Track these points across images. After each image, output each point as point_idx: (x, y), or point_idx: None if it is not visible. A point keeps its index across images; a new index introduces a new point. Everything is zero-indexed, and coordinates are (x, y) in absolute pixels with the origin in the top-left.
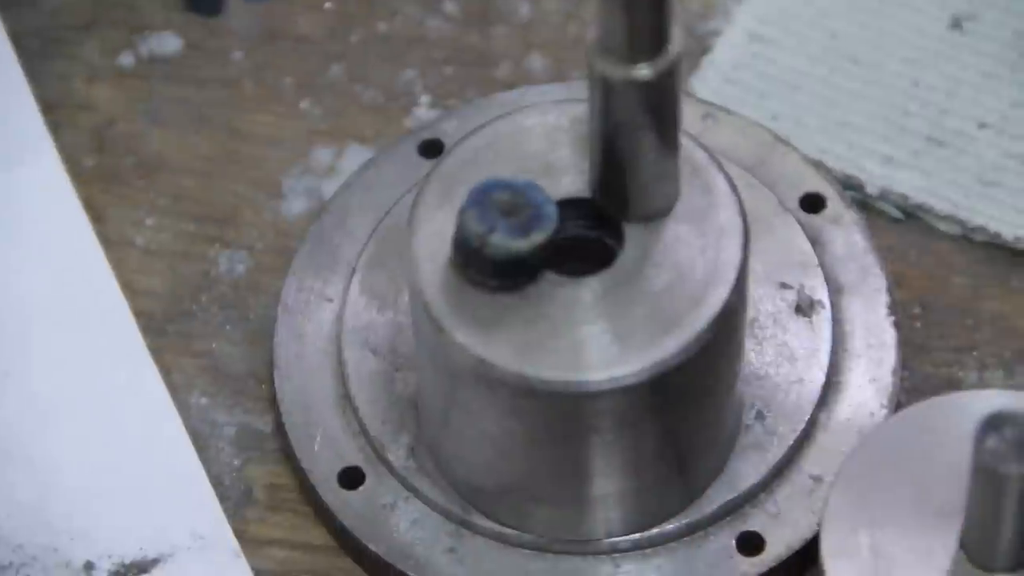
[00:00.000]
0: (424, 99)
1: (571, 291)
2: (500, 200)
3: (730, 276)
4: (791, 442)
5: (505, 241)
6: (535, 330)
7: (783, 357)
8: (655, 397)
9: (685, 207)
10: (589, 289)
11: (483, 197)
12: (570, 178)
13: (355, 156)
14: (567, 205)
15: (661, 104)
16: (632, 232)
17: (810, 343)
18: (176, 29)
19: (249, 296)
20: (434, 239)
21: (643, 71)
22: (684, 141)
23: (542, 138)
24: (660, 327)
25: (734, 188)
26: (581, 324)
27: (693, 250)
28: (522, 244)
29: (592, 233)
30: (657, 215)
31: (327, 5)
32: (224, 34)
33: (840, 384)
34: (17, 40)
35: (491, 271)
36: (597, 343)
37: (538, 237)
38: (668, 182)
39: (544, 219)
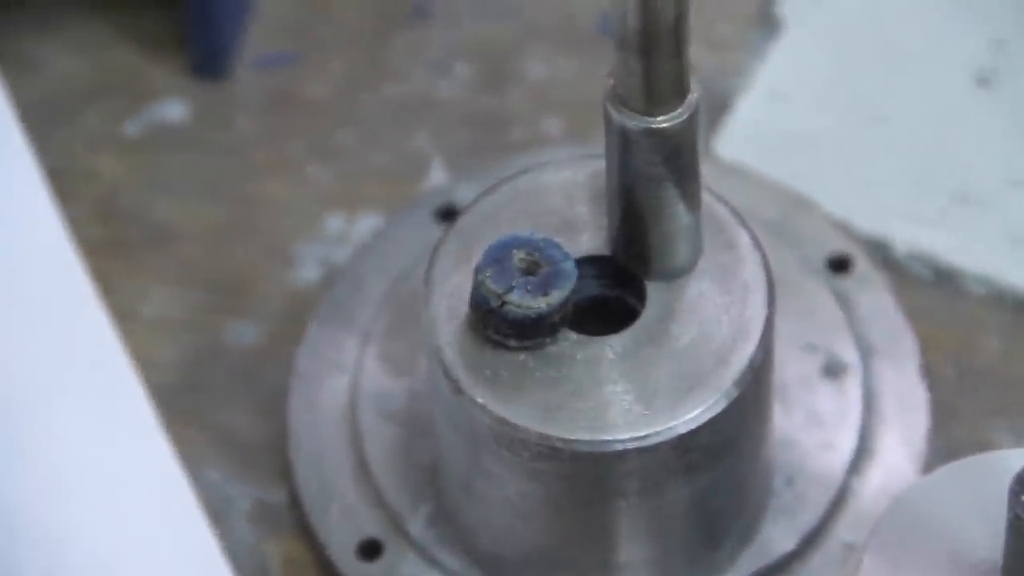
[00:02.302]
0: (437, 163)
1: (593, 350)
2: (518, 258)
3: (756, 333)
4: (823, 508)
5: (524, 300)
6: (557, 390)
7: (812, 422)
8: (682, 458)
9: (708, 264)
10: (611, 348)
11: (500, 255)
12: (589, 235)
13: (367, 222)
14: (587, 263)
15: (681, 155)
16: (654, 290)
17: (840, 407)
18: (182, 95)
19: (261, 366)
20: (451, 298)
21: (662, 121)
22: (705, 196)
23: (560, 195)
24: (685, 386)
25: (758, 243)
26: (604, 383)
27: (717, 307)
28: (541, 303)
29: (612, 291)
30: (679, 272)
31: (335, 68)
32: (231, 99)
33: (872, 449)
34: (21, 107)
35: (510, 331)
36: (621, 403)
37: (557, 296)
38: (690, 238)
39: (563, 277)
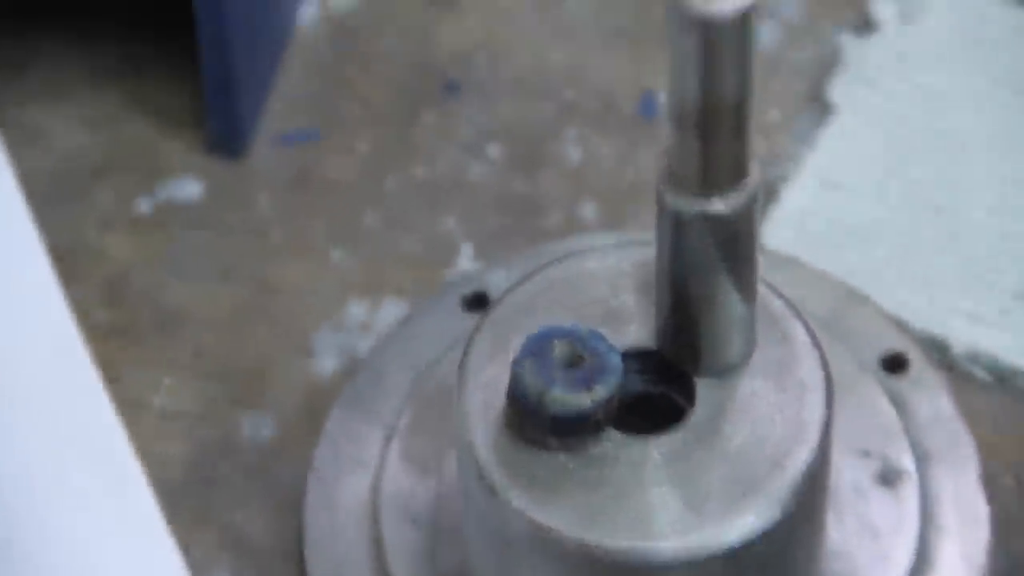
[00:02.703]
0: (466, 249)
1: (638, 451)
2: (559, 350)
3: (813, 436)
4: None
5: (565, 396)
6: (599, 494)
7: (866, 532)
8: (731, 570)
9: (761, 360)
10: (658, 449)
11: (540, 347)
12: (635, 327)
13: (392, 310)
14: (632, 357)
15: (738, 241)
16: (704, 387)
17: (896, 517)
18: (197, 172)
19: (276, 463)
20: (486, 391)
21: (719, 206)
22: (760, 287)
23: (603, 283)
24: (737, 491)
25: (815, 339)
26: (650, 487)
27: (771, 407)
28: (584, 399)
29: (660, 388)
30: (730, 368)
31: (360, 147)
32: (249, 177)
33: (929, 563)
34: (27, 182)
35: (550, 428)
36: (668, 509)
37: (602, 392)
38: (743, 331)
39: (608, 372)
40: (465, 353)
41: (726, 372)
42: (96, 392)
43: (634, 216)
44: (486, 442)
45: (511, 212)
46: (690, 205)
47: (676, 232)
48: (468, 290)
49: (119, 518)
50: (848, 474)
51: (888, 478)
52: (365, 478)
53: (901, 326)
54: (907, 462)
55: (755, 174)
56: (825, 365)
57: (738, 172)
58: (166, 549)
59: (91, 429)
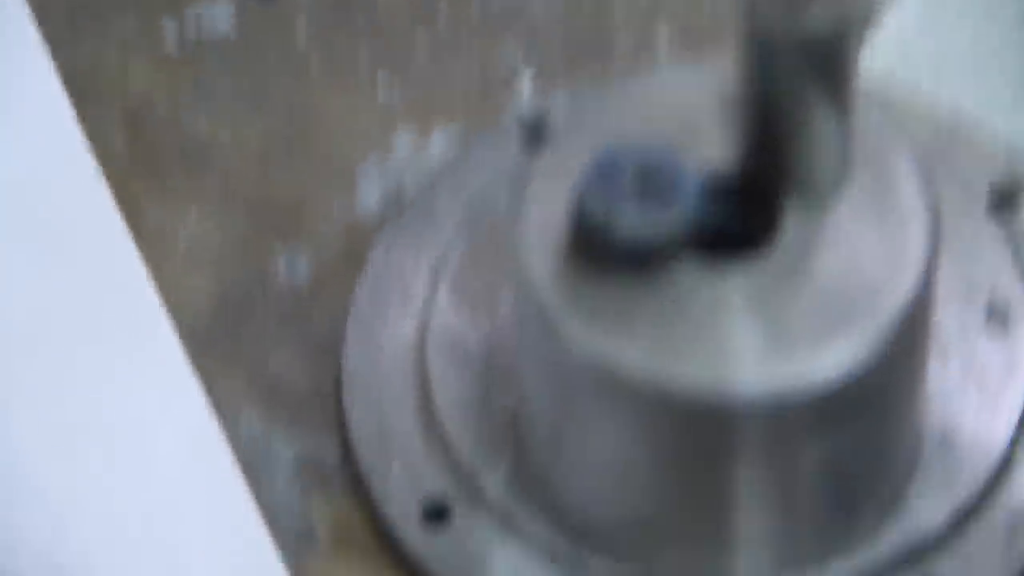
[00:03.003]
0: (527, 76)
1: (717, 282)
2: (629, 171)
3: (915, 266)
4: (983, 478)
5: (635, 219)
6: (672, 327)
7: (973, 376)
8: (819, 414)
9: (857, 185)
10: (738, 280)
11: (608, 167)
12: (715, 148)
13: (443, 142)
14: (711, 180)
15: (836, 54)
16: (792, 215)
17: (1006, 361)
18: None
19: (312, 305)
20: (547, 220)
21: (815, 18)
22: (858, 105)
23: (680, 101)
24: (828, 326)
25: (918, 164)
26: (729, 321)
27: (869, 237)
28: (656, 224)
29: (742, 215)
30: (823, 194)
31: None
32: (286, 2)
33: None
34: (41, 12)
35: (617, 255)
36: (749, 343)
37: (675, 216)
38: (838, 152)
39: (683, 194)
40: (522, 177)
41: (817, 199)
42: (115, 227)
43: (715, 45)
44: (545, 273)
45: (576, 36)
46: (780, 18)
47: (764, 46)
48: (528, 121)
49: (140, 359)
50: (954, 313)
51: (999, 317)
52: (411, 316)
53: (1016, 157)
54: (1020, 302)
55: None
56: (931, 191)
57: None
58: (189, 390)
59: (111, 266)
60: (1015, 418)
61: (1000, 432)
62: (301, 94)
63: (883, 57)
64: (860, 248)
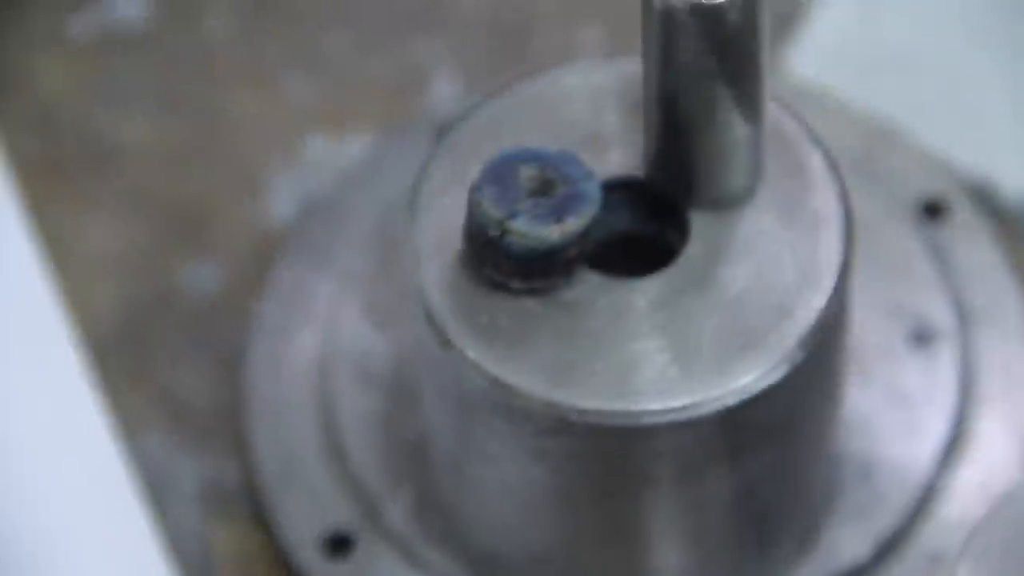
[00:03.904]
0: (443, 75)
1: (619, 296)
2: (526, 176)
3: (828, 279)
4: (905, 508)
5: (532, 228)
6: (571, 346)
7: (895, 400)
8: (728, 437)
9: (769, 191)
10: (643, 294)
11: (504, 171)
12: (619, 152)
13: (356, 145)
14: (614, 186)
15: (739, 43)
16: (699, 222)
17: (930, 383)
18: None
19: (219, 318)
20: (443, 228)
21: None
22: (770, 106)
23: (584, 102)
24: (736, 344)
25: (834, 167)
26: (632, 339)
27: (780, 246)
28: (554, 232)
29: (646, 223)
30: (732, 201)
31: None
32: None
33: (968, 436)
34: None
35: (513, 268)
36: (653, 363)
37: (575, 223)
38: (747, 156)
39: (583, 200)
40: (417, 182)
41: (726, 206)
42: (17, 231)
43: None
44: (439, 285)
45: (497, 33)
46: None
47: (666, 34)
48: (444, 122)
49: (37, 372)
50: (876, 333)
51: (923, 338)
52: (316, 333)
53: (943, 167)
54: (945, 320)
55: None
56: (845, 198)
57: None
58: (90, 409)
59: (10, 272)
60: (938, 444)
61: (923, 459)
62: (212, 94)
63: (815, 58)
64: (770, 259)
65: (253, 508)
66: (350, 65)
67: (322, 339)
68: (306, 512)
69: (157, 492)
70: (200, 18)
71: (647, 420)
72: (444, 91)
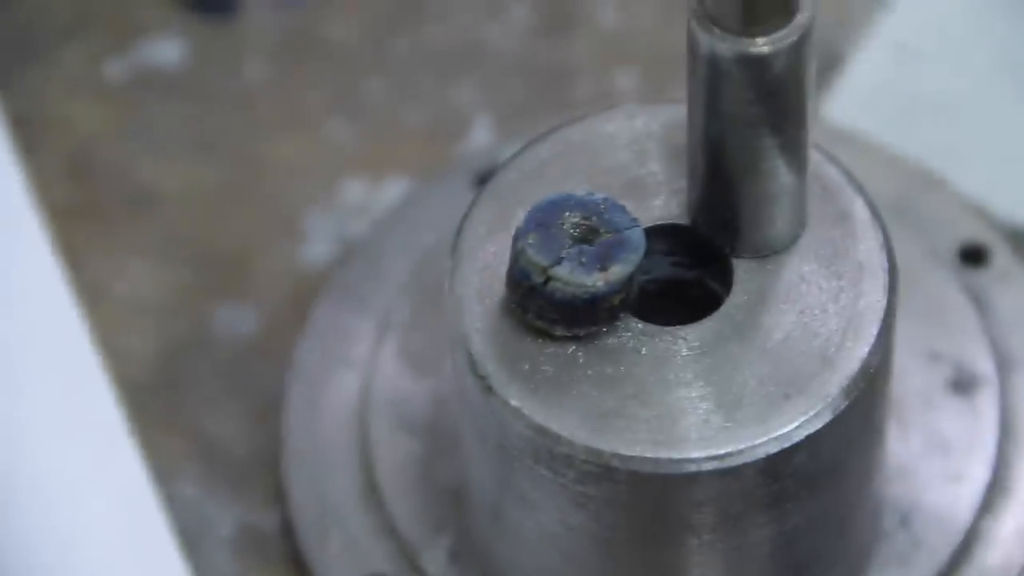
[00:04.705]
0: (482, 122)
1: (662, 343)
2: (571, 223)
3: (872, 328)
4: (944, 557)
5: (575, 276)
6: (614, 393)
7: (935, 447)
8: (771, 486)
9: (812, 239)
10: (686, 341)
11: (548, 218)
12: (662, 199)
13: (394, 190)
14: (658, 233)
15: (785, 92)
16: (743, 270)
17: (970, 430)
18: (177, 32)
19: (255, 362)
20: (484, 274)
21: (763, 46)
22: (813, 154)
23: (627, 148)
24: (779, 392)
25: (877, 216)
26: (675, 387)
27: (823, 294)
28: (598, 280)
29: (689, 271)
30: (775, 248)
31: (364, 5)
32: (237, 39)
33: (1009, 484)
34: None
35: (556, 315)
36: (695, 411)
37: (619, 271)
38: (791, 204)
39: (628, 248)
40: (460, 228)
41: (770, 254)
42: (54, 276)
43: (679, 87)
44: (481, 331)
45: (534, 81)
46: (728, 46)
47: (711, 81)
48: (482, 168)
49: (73, 419)
50: (916, 380)
51: (963, 385)
52: (354, 379)
53: (982, 213)
54: (985, 367)
55: (807, 8)
56: (888, 247)
57: (786, 5)
58: (126, 455)
59: (46, 317)
60: (978, 491)
61: (963, 506)
62: (249, 138)
63: (853, 105)
64: (813, 307)
65: (290, 555)
66: (388, 109)
67: (360, 384)
68: (344, 559)
69: (192, 538)
70: (237, 62)
71: (689, 468)
72: (482, 137)
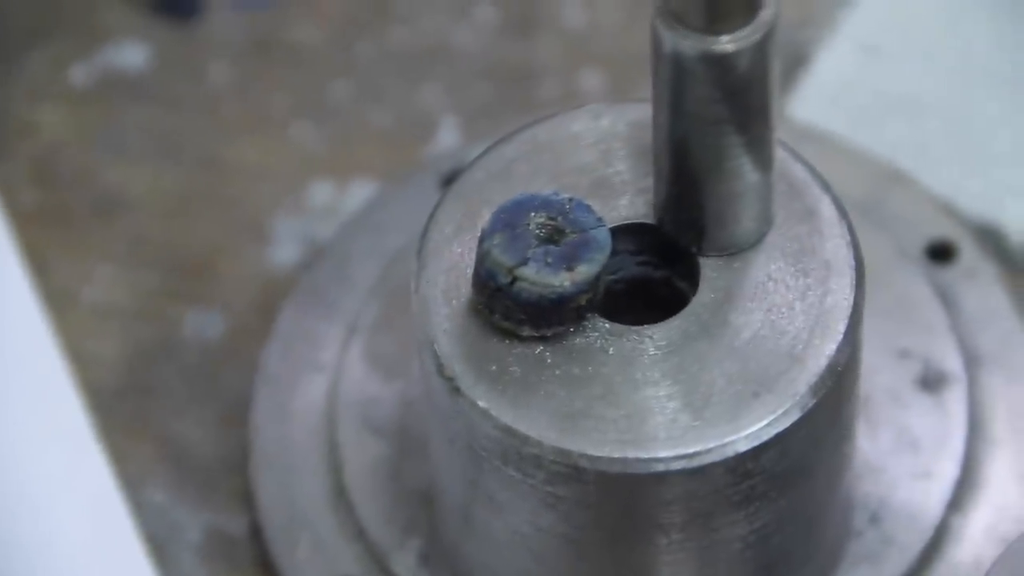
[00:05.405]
0: (448, 124)
1: (630, 343)
2: (536, 223)
3: (839, 325)
4: (915, 554)
5: (541, 276)
6: (581, 393)
7: (904, 445)
8: (739, 485)
9: (779, 237)
10: (653, 341)
11: (514, 219)
12: (629, 199)
13: (360, 192)
14: (624, 233)
15: (749, 91)
16: (709, 268)
17: (939, 427)
18: (142, 37)
19: (223, 366)
20: (451, 275)
21: (726, 43)
22: (779, 152)
23: (593, 148)
24: (747, 391)
25: (844, 213)
26: (643, 386)
27: (790, 292)
28: (564, 280)
29: (656, 270)
30: (742, 247)
31: (329, 9)
32: (201, 43)
33: (977, 480)
34: None
35: (523, 315)
36: (663, 410)
37: (585, 271)
38: (757, 202)
39: (593, 248)
40: (426, 229)
41: (737, 252)
42: (18, 281)
43: (645, 86)
44: (448, 332)
45: (500, 82)
46: (692, 42)
47: (676, 80)
48: (449, 169)
49: (41, 424)
50: (884, 377)
51: (931, 382)
52: (322, 382)
53: (950, 210)
54: (953, 364)
55: (771, 6)
56: (855, 245)
57: (749, 2)
58: (94, 460)
59: (12, 322)
60: (948, 488)
61: (933, 504)
62: (216, 141)
63: (819, 104)
64: (781, 305)
65: (259, 559)
66: (354, 112)
67: (328, 387)
68: (313, 562)
69: (161, 543)
70: (202, 66)
71: (658, 467)
72: (448, 138)
